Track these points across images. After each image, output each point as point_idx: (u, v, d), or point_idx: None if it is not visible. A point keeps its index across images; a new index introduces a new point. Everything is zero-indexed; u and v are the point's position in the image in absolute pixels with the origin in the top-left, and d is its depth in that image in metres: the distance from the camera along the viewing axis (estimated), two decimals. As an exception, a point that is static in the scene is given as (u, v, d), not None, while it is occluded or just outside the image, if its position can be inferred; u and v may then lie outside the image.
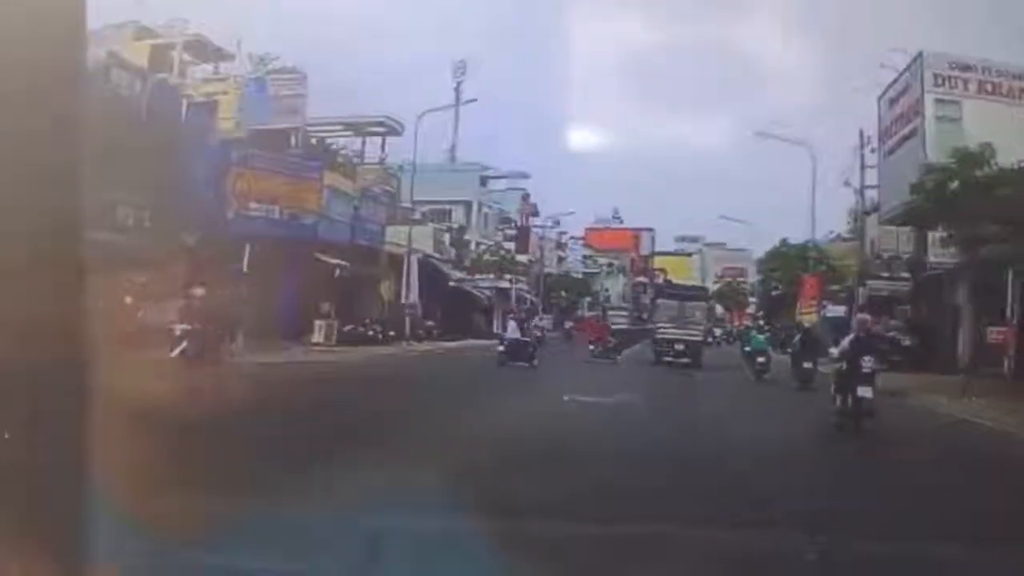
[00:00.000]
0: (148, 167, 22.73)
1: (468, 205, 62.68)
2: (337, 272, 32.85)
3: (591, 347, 33.39)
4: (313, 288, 30.74)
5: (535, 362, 26.48)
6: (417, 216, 45.98)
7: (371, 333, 34.26)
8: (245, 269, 27.09)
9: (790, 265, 49.97)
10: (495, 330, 44.23)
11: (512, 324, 30.04)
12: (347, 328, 32.44)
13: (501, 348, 27.36)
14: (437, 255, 48.82)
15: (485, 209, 65.49)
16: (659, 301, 37.76)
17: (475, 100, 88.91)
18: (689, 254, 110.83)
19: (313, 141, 38.30)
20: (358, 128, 45.87)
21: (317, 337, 30.47)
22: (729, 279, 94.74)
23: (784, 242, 54.68)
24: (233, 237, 27.33)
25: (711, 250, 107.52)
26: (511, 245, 64.22)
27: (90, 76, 20.71)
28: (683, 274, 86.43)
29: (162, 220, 24.89)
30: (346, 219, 35.53)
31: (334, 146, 41.91)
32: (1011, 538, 6.64)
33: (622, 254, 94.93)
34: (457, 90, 61.37)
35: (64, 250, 2.68)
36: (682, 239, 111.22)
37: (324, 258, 32.28)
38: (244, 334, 23.06)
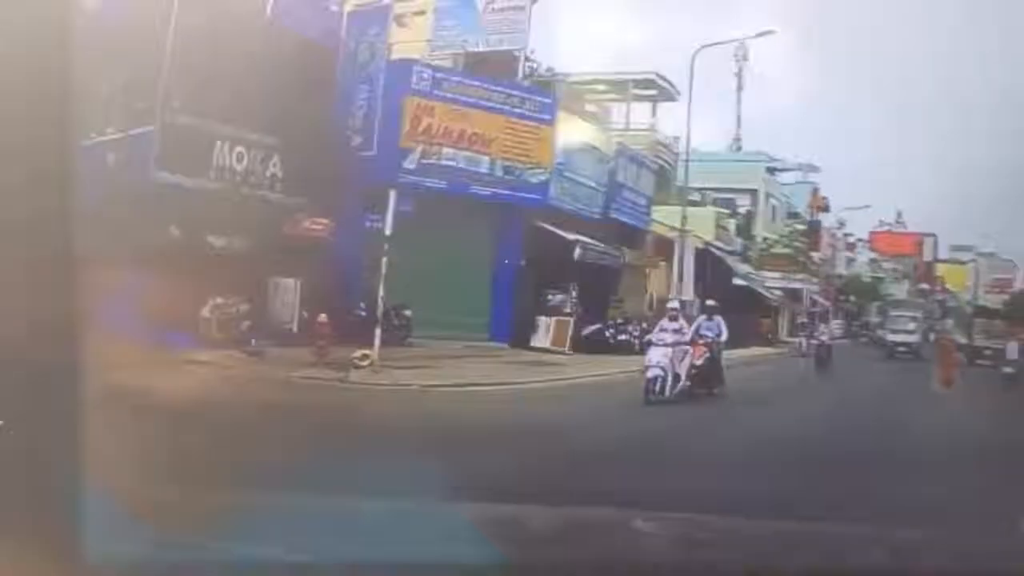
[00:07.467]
0: (280, 92, 17.48)
1: (754, 194, 54.49)
2: (578, 252, 24.03)
3: None
4: (538, 271, 22.54)
5: None
6: (695, 197, 37.61)
7: (623, 338, 24.15)
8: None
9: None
10: (780, 337, 38.76)
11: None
12: (590, 330, 23.52)
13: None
14: (720, 244, 39.52)
15: (773, 201, 57.54)
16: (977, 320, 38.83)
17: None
18: (963, 263, 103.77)
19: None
20: (621, 88, 38.04)
21: (541, 339, 21.94)
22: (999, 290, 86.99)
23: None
24: (410, 193, 18.72)
25: (984, 260, 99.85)
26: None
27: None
28: (958, 284, 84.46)
29: (293, 166, 17.72)
30: (596, 185, 26.90)
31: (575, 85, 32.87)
32: None
33: (904, 259, 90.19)
34: (739, 75, 53.47)
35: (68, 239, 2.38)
36: (957, 248, 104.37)
37: (557, 230, 23.53)
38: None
